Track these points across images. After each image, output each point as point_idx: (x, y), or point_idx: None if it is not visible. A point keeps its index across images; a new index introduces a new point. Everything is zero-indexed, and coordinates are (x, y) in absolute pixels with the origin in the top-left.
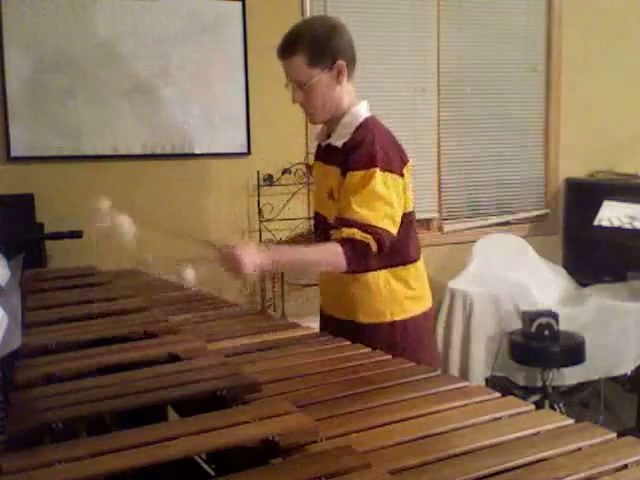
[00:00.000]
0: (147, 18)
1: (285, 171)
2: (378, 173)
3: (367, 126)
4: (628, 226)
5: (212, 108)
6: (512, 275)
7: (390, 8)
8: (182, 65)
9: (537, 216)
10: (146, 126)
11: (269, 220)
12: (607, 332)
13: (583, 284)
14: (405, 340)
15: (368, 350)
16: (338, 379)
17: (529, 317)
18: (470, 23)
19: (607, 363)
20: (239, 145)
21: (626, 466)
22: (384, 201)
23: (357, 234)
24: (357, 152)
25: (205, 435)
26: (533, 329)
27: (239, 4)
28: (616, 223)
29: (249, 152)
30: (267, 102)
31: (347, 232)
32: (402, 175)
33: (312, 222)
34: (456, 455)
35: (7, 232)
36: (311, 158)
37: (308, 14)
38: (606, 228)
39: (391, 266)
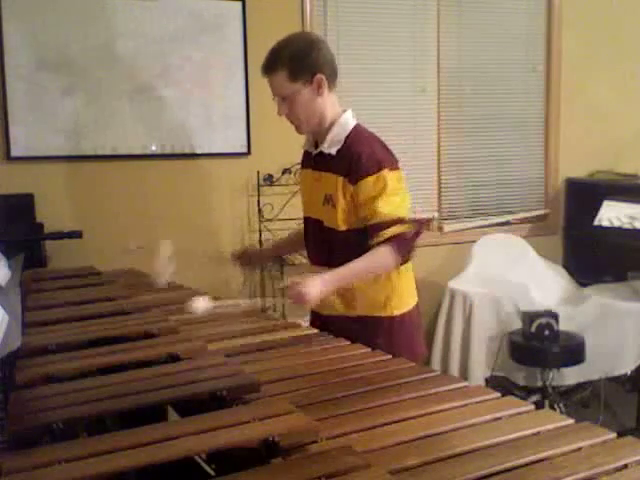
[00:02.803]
0: (147, 18)
1: (285, 171)
2: (388, 173)
3: (358, 134)
4: (628, 226)
5: (212, 108)
6: (512, 275)
7: (390, 8)
8: (182, 65)
9: (537, 216)
10: (146, 126)
11: (269, 220)
12: (607, 332)
13: (583, 284)
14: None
15: (368, 350)
16: (338, 379)
17: (529, 317)
18: (470, 23)
19: (607, 363)
20: (239, 145)
21: (626, 466)
22: (400, 196)
23: (396, 230)
24: (360, 160)
25: (205, 435)
26: (533, 329)
27: (239, 4)
28: (616, 223)
29: (249, 152)
30: (267, 102)
31: (387, 233)
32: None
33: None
34: (456, 455)
35: (7, 232)
36: None
37: (308, 14)
38: (606, 228)
39: None
